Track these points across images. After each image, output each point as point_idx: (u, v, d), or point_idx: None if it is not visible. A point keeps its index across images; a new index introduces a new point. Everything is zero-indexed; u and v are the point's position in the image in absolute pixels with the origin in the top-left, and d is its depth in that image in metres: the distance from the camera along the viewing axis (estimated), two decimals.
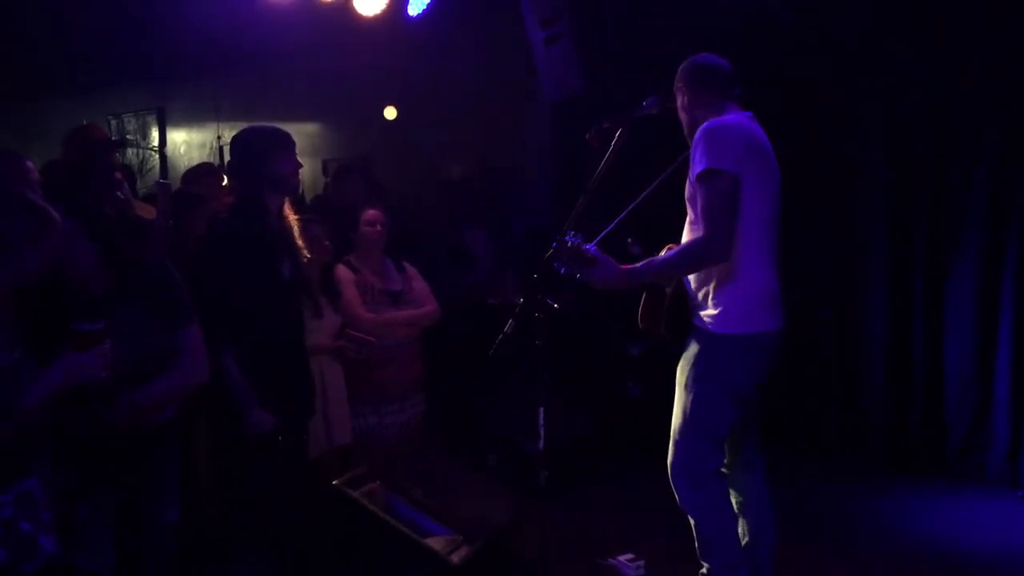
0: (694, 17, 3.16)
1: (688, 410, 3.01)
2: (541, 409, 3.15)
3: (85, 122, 4.61)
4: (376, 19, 5.70)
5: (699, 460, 3.02)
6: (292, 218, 3.34)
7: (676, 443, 3.05)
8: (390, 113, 6.92)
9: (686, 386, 3.03)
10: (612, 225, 3.12)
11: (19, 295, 2.35)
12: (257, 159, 3.22)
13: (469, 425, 5.03)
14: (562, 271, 2.91)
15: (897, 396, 5.11)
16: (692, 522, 3.09)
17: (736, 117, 3.02)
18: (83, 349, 2.29)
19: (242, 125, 3.42)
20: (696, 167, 2.89)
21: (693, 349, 3.04)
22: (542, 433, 3.15)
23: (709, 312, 2.98)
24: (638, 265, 2.98)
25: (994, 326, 4.77)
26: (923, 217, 4.97)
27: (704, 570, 3.09)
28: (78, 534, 2.59)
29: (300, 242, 3.36)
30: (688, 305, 3.08)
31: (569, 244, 2.88)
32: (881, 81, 5.04)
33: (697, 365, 3.00)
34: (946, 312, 4.94)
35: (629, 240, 3.23)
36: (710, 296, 2.98)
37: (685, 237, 3.11)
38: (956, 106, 4.83)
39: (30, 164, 3.36)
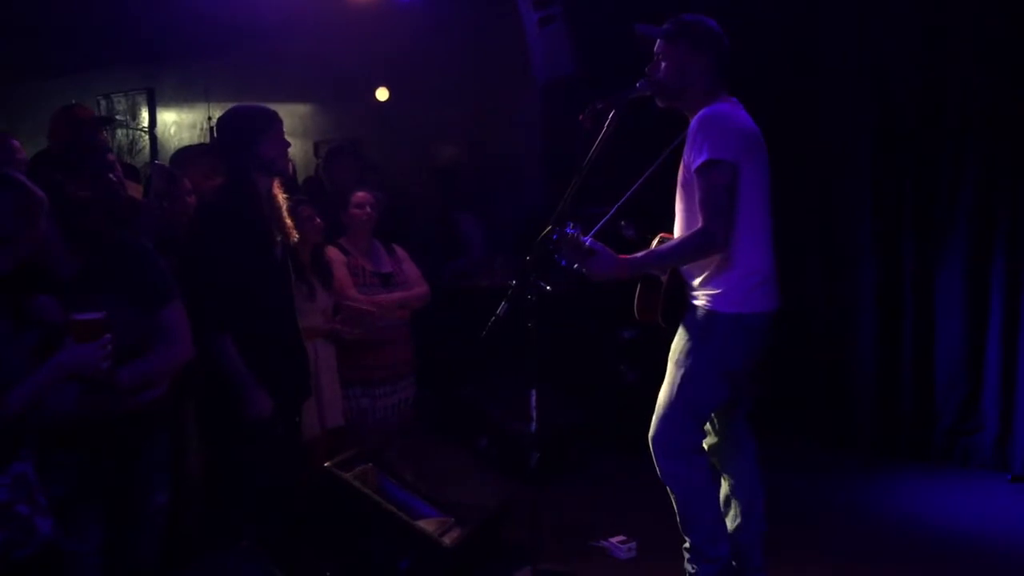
0: (689, 6, 3.13)
1: (676, 385, 3.02)
2: (533, 391, 3.15)
3: (73, 102, 4.55)
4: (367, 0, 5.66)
5: (679, 434, 3.03)
6: (281, 198, 3.31)
7: (660, 417, 3.06)
8: (382, 94, 6.86)
9: (677, 362, 3.03)
10: (608, 215, 3.11)
11: None
12: (245, 140, 3.17)
13: (461, 409, 5.02)
14: (563, 263, 2.90)
15: (886, 383, 5.13)
16: (672, 496, 3.10)
17: (730, 105, 3.01)
18: (83, 340, 2.23)
19: (232, 105, 3.37)
20: (697, 158, 2.87)
21: (688, 327, 3.04)
22: (534, 415, 3.15)
23: (706, 292, 2.98)
24: (637, 256, 2.97)
25: (984, 313, 4.79)
26: (913, 207, 4.98)
27: (687, 544, 3.11)
28: (66, 517, 2.57)
29: (289, 223, 3.33)
30: (684, 291, 3.07)
31: (569, 236, 2.86)
32: (874, 73, 5.03)
33: (691, 342, 3.00)
34: (936, 300, 4.95)
35: (622, 223, 3.22)
36: (707, 277, 2.98)
37: (677, 221, 3.10)
38: (948, 99, 4.83)
39: (16, 143, 3.33)
